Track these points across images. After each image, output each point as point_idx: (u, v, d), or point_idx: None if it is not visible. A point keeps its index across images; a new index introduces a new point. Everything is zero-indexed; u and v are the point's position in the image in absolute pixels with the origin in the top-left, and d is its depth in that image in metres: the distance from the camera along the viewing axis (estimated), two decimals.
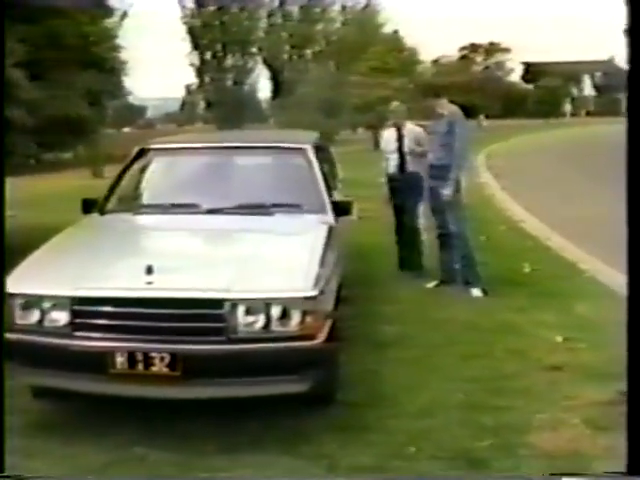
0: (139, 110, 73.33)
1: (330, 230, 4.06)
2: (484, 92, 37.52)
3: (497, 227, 9.34)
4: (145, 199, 4.63)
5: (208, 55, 36.65)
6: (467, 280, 5.95)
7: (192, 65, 38.34)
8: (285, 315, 3.16)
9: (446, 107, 5.91)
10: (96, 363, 3.11)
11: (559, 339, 4.66)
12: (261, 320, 3.15)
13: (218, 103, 33.11)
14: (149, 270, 3.14)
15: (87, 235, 4.08)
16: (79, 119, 5.99)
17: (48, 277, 3.35)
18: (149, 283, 3.14)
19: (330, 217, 4.30)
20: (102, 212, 4.39)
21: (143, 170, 4.81)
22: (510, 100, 49.32)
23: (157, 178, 4.81)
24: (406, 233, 6.67)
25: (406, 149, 6.43)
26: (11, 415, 3.26)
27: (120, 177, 4.70)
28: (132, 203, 4.54)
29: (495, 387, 3.92)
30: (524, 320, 5.11)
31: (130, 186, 4.73)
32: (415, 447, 3.22)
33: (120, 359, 3.09)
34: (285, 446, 3.25)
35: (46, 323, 3.23)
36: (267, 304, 3.15)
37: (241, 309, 3.13)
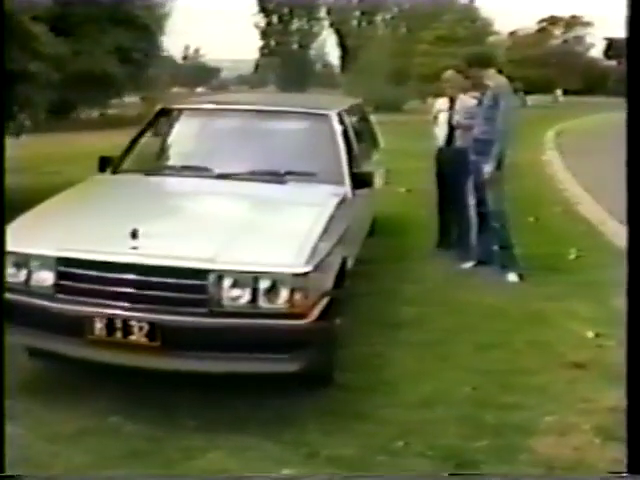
0: (213, 71, 74.09)
1: (342, 202, 3.83)
2: (562, 66, 35.88)
3: (551, 208, 8.85)
4: (159, 160, 4.50)
5: (274, 18, 36.33)
6: (504, 263, 5.62)
7: (257, 27, 38.15)
8: (273, 291, 2.97)
9: (493, 78, 5.52)
10: (75, 327, 3.01)
11: (590, 334, 4.32)
12: (247, 294, 2.97)
13: (283, 66, 32.85)
14: (134, 234, 3.00)
15: (88, 194, 3.97)
16: (104, 76, 5.89)
17: (38, 236, 3.25)
18: (134, 248, 3.00)
19: (347, 188, 4.07)
20: (114, 171, 4.28)
21: (162, 130, 4.67)
22: (590, 76, 47.05)
23: (174, 139, 4.67)
24: (448, 210, 6.35)
25: (454, 122, 6.08)
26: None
27: (139, 136, 4.57)
28: (145, 163, 4.41)
29: (507, 382, 3.65)
30: (556, 310, 4.77)
31: (148, 146, 4.60)
32: (403, 442, 3.00)
33: (99, 325, 2.98)
34: (266, 429, 3.09)
35: (32, 283, 3.14)
36: (254, 278, 2.96)
37: (227, 281, 2.96)
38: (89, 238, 3.17)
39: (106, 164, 4.42)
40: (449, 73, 6.21)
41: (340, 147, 4.28)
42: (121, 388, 3.31)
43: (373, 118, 7.03)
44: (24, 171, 9.38)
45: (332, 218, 3.56)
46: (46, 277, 3.11)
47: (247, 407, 3.25)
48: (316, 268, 3.06)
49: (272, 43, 36.77)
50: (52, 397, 3.29)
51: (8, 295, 3.13)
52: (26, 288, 3.14)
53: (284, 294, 2.97)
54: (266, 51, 37.80)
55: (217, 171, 4.04)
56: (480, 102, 5.63)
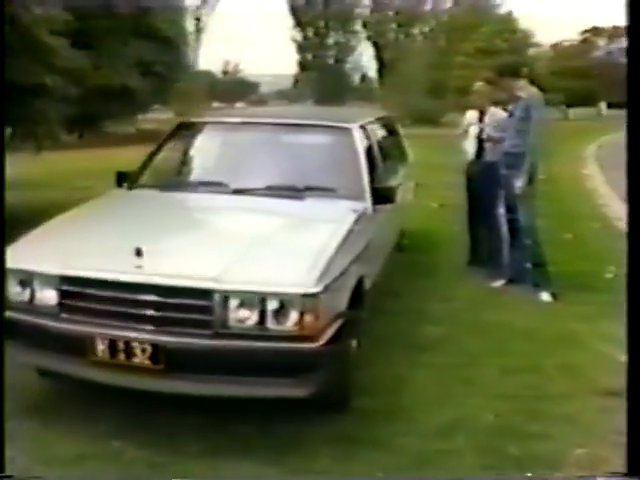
0: (252, 86, 74.77)
1: (361, 218, 3.69)
2: (605, 78, 35.05)
3: (589, 224, 8.53)
4: (176, 175, 4.42)
5: (310, 32, 36.41)
6: (536, 282, 5.39)
7: (294, 41, 38.27)
8: (282, 312, 2.84)
9: (524, 89, 5.32)
10: (79, 348, 2.92)
11: (624, 359, 4.06)
12: (255, 316, 2.84)
13: (319, 80, 32.90)
14: (138, 252, 2.90)
15: (98, 210, 3.89)
16: (125, 90, 5.84)
17: (43, 253, 3.18)
18: (138, 267, 2.90)
19: (367, 204, 3.93)
20: (130, 186, 4.21)
21: (181, 145, 4.59)
22: None
23: (193, 154, 4.59)
24: (479, 226, 6.15)
25: (484, 134, 5.89)
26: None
27: (156, 151, 4.50)
28: (162, 178, 4.33)
29: (534, 409, 3.44)
30: (590, 332, 4.52)
31: (167, 161, 4.53)
32: (417, 472, 2.82)
33: (101, 346, 2.88)
34: (275, 455, 2.95)
35: (36, 302, 3.06)
36: (262, 298, 2.83)
37: (233, 302, 2.84)
38: (93, 256, 3.09)
39: (123, 179, 4.35)
40: (479, 85, 6.02)
41: (361, 161, 4.14)
42: (126, 411, 3.21)
43: (407, 131, 6.87)
44: (56, 186, 9.49)
45: (349, 235, 3.42)
46: (50, 296, 3.03)
47: (254, 432, 3.12)
48: (328, 288, 2.91)
49: (308, 57, 36.87)
50: (55, 418, 3.21)
51: (14, 314, 3.08)
52: (30, 307, 3.07)
53: (293, 316, 2.83)
54: (302, 65, 37.93)
55: (233, 186, 3.93)
56: (511, 114, 5.44)
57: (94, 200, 4.03)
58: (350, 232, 3.46)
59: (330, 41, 36.48)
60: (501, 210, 5.65)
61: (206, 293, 2.83)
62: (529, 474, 2.87)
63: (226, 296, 2.83)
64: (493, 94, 5.88)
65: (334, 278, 3.00)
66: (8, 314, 3.09)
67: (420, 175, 8.08)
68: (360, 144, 4.26)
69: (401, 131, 6.80)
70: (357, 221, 3.64)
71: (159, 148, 4.52)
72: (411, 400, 3.54)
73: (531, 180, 5.24)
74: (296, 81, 42.69)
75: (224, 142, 4.59)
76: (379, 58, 34.57)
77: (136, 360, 2.85)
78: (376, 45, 36.61)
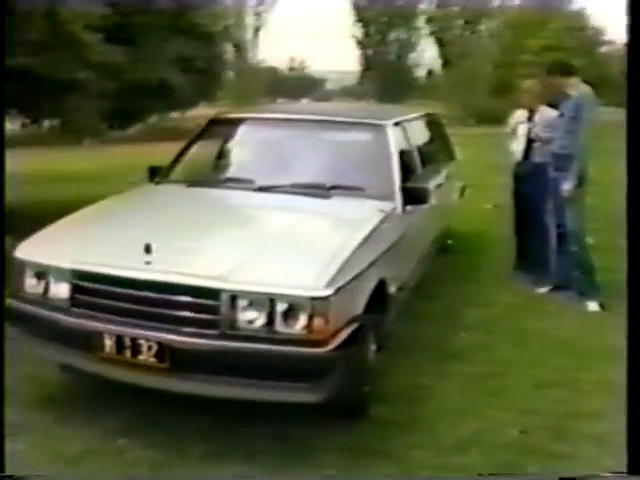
0: (317, 82, 74.92)
1: (387, 219, 3.55)
2: None
3: None
4: (205, 171, 4.38)
5: (372, 28, 36.12)
6: (583, 290, 5.13)
7: (354, 38, 38.07)
8: (291, 315, 2.74)
9: (575, 88, 5.05)
10: (88, 343, 2.90)
11: None
12: (263, 317, 2.75)
13: (380, 77, 32.64)
14: (147, 249, 2.85)
15: (120, 205, 3.88)
16: (161, 84, 5.83)
17: (59, 247, 3.18)
18: (147, 263, 2.86)
19: (396, 204, 3.79)
20: (158, 182, 4.20)
21: (213, 140, 4.55)
22: None
23: (223, 150, 4.53)
24: (526, 229, 5.89)
25: (533, 134, 5.64)
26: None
27: (188, 146, 4.48)
28: (192, 174, 4.29)
29: (562, 427, 3.25)
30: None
31: (198, 156, 4.49)
32: None
33: (109, 342, 2.85)
34: (279, 462, 2.86)
35: (50, 295, 3.06)
36: (271, 300, 2.74)
37: (241, 302, 2.76)
38: (105, 251, 3.06)
39: (155, 174, 4.34)
40: (529, 82, 5.77)
41: (393, 160, 4.00)
42: (137, 408, 3.19)
43: (470, 130, 6.67)
44: (110, 180, 9.65)
45: (371, 236, 3.29)
46: (62, 290, 3.02)
47: (263, 436, 3.04)
48: (340, 291, 2.80)
49: (369, 53, 36.62)
50: (69, 412, 3.21)
51: (30, 306, 3.10)
52: (44, 300, 3.07)
53: (302, 319, 2.73)
54: (364, 62, 37.73)
55: (259, 183, 3.86)
56: (562, 114, 5.19)
57: (119, 195, 4.03)
58: (373, 233, 3.34)
59: (391, 38, 36.08)
60: (549, 214, 5.40)
61: (213, 292, 2.76)
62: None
63: (234, 296, 2.75)
64: (543, 92, 5.62)
65: (348, 280, 2.89)
66: (24, 306, 3.11)
67: (476, 175, 7.85)
68: (393, 142, 4.12)
69: (447, 129, 6.60)
70: (383, 221, 3.51)
71: (191, 144, 4.49)
72: (432, 411, 3.39)
73: (580, 183, 4.97)
74: (361, 78, 42.53)
75: (254, 138, 4.52)
76: (443, 55, 33.98)
77: (142, 357, 2.80)
78: (440, 42, 36.06)
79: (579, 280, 5.16)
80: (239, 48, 36.70)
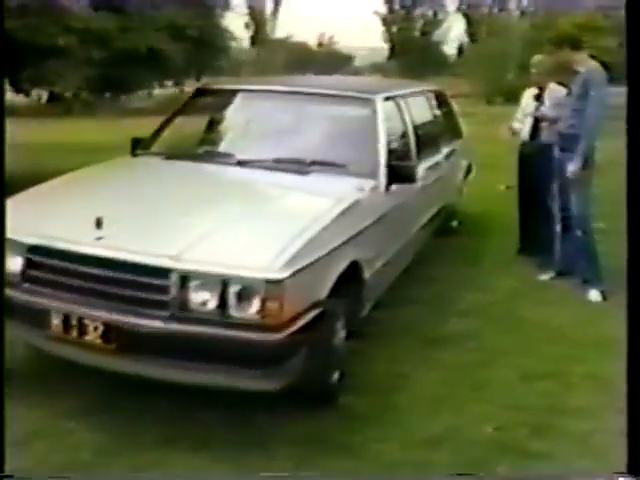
0: (346, 58, 74.04)
1: (363, 198, 3.35)
2: None
3: None
4: (187, 143, 4.20)
5: (397, 4, 35.49)
6: (586, 277, 4.87)
7: (377, 14, 37.48)
8: (244, 298, 2.57)
9: (584, 63, 4.75)
10: (37, 320, 2.77)
11: None
12: (215, 300, 2.58)
13: (404, 54, 32.08)
14: (98, 223, 2.70)
15: (90, 176, 3.73)
16: (151, 53, 5.62)
17: (19, 219, 3.02)
18: (98, 238, 2.70)
19: (378, 183, 3.58)
20: (135, 154, 4.03)
21: (198, 112, 4.36)
22: None
23: (207, 122, 4.35)
24: (531, 212, 5.63)
25: (539, 113, 5.35)
26: None
27: (171, 118, 4.30)
28: (172, 147, 4.12)
29: (543, 423, 3.04)
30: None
31: (181, 128, 4.31)
32: None
33: (55, 321, 2.71)
34: (232, 452, 2.71)
35: (8, 270, 2.92)
36: (223, 282, 2.57)
37: (193, 283, 2.59)
38: (62, 224, 2.90)
39: (137, 145, 4.18)
40: (538, 57, 5.47)
41: (380, 136, 3.78)
42: (92, 388, 3.05)
43: (497, 109, 6.38)
44: (117, 150, 9.53)
45: (343, 216, 3.10)
46: (16, 264, 2.88)
47: (220, 424, 2.88)
48: (298, 273, 2.62)
49: (394, 30, 36.04)
50: (23, 391, 3.07)
51: None
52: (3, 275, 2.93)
53: (256, 303, 2.56)
54: (387, 38, 37.18)
55: (239, 157, 3.67)
56: (569, 91, 4.90)
57: (92, 166, 3.87)
58: (346, 212, 3.14)
59: (416, 14, 35.40)
60: (554, 197, 5.14)
61: (163, 271, 2.60)
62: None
63: (184, 276, 2.58)
64: (553, 69, 5.32)
65: (310, 262, 2.70)
66: None
67: (494, 155, 7.57)
68: (382, 117, 3.89)
69: (454, 106, 6.33)
70: (360, 200, 3.31)
71: (175, 115, 4.31)
72: (406, 402, 3.20)
73: (586, 165, 4.69)
74: (390, 54, 41.86)
75: (240, 111, 4.34)
76: (470, 32, 33.24)
77: (88, 338, 2.66)
78: (468, 18, 35.28)
79: (583, 267, 4.90)
80: (258, 22, 36.34)
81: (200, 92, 4.45)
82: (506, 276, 5.20)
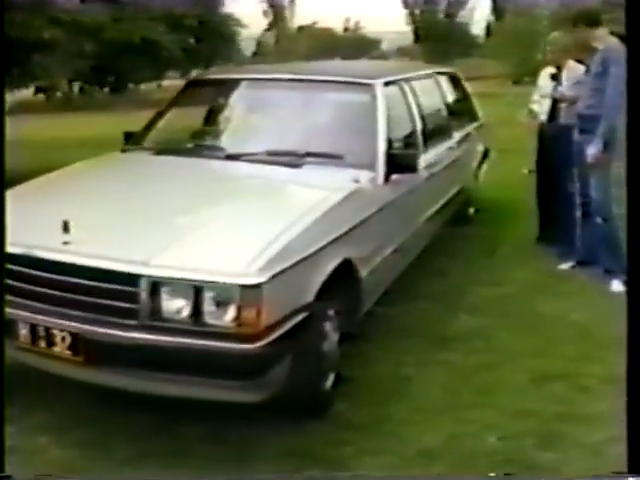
0: (373, 43, 73.21)
1: (358, 191, 3.13)
2: None
3: None
4: (179, 137, 4.01)
5: None
6: (608, 267, 4.59)
7: None
8: (219, 305, 2.38)
9: (603, 40, 4.44)
10: (8, 329, 2.60)
11: None
12: (188, 308, 2.40)
13: (427, 37, 31.50)
14: (65, 227, 2.53)
15: (72, 175, 3.55)
16: (146, 44, 5.41)
17: None
18: (65, 243, 2.53)
19: (376, 174, 3.36)
20: (124, 149, 3.86)
21: (190, 104, 4.17)
22: None
23: (201, 114, 4.15)
24: (550, 198, 5.34)
25: (557, 93, 5.05)
26: None
27: (164, 110, 4.12)
28: (163, 141, 3.93)
29: (553, 432, 2.80)
30: None
31: (175, 121, 4.13)
32: None
33: (23, 331, 2.56)
34: (209, 468, 2.53)
35: None
36: (196, 288, 2.38)
37: (164, 290, 2.41)
38: (28, 229, 2.73)
39: (129, 140, 4.01)
40: (554, 35, 5.16)
41: (379, 123, 3.55)
42: (67, 402, 2.89)
43: (525, 89, 6.09)
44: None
45: (333, 211, 2.89)
46: None
47: (200, 437, 2.70)
48: (277, 277, 2.42)
49: (416, 12, 35.36)
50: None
51: None
52: None
53: (231, 310, 2.36)
54: (410, 21, 36.52)
55: (229, 151, 3.48)
56: (587, 70, 4.60)
57: (73, 165, 3.71)
58: (338, 207, 2.93)
59: None
60: (574, 181, 4.85)
61: (132, 278, 2.41)
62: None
63: (155, 283, 2.40)
64: (571, 46, 5.01)
65: (291, 264, 2.50)
66: None
67: (517, 137, 7.27)
68: (382, 103, 3.65)
69: (469, 88, 6.03)
70: (353, 193, 3.09)
71: (167, 108, 4.13)
72: (404, 409, 2.98)
73: (607, 147, 4.40)
74: (415, 37, 41.19)
75: (233, 101, 4.13)
76: (497, 12, 32.41)
77: (56, 349, 2.50)
78: None
79: (605, 256, 4.62)
80: (277, 9, 36.02)
81: (192, 83, 4.26)
82: (523, 267, 4.93)
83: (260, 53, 30.17)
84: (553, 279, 4.69)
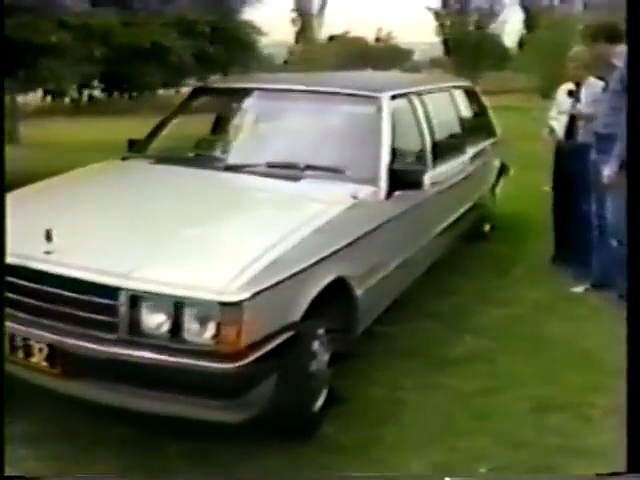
0: (405, 53, 73.05)
1: (356, 206, 3.05)
2: None
3: None
4: (182, 146, 3.96)
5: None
6: (622, 292, 4.42)
7: (429, 10, 36.61)
8: (199, 322, 2.31)
9: (623, 57, 4.30)
10: None
11: None
12: (168, 323, 2.33)
13: (457, 48, 31.22)
14: (48, 236, 2.48)
15: (67, 182, 3.51)
16: (156, 49, 5.38)
17: None
18: (47, 252, 2.48)
19: (377, 189, 3.28)
20: (124, 157, 3.82)
21: (195, 112, 4.12)
22: None
23: (204, 122, 4.10)
24: (566, 217, 5.20)
25: (575, 110, 4.92)
26: None
27: (168, 118, 4.08)
28: (166, 150, 3.89)
29: (550, 465, 2.68)
30: None
31: (179, 129, 4.08)
32: None
33: None
34: None
35: None
36: (176, 304, 2.31)
37: (144, 304, 2.34)
38: (14, 237, 2.67)
39: (132, 148, 3.98)
40: (576, 49, 5.02)
41: (383, 138, 3.46)
42: (49, 413, 2.83)
43: (532, 103, 5.97)
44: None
45: (327, 227, 2.81)
46: None
47: (179, 453, 2.62)
48: (260, 295, 2.34)
49: (447, 23, 35.06)
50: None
51: None
52: None
53: (211, 328, 2.29)
54: (441, 33, 36.25)
55: (229, 162, 3.43)
56: (606, 87, 4.46)
57: (70, 172, 3.67)
58: (332, 222, 2.85)
59: (471, 7, 34.36)
60: (590, 201, 4.71)
61: (111, 290, 2.35)
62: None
63: (134, 296, 2.34)
64: (592, 62, 4.87)
65: (276, 282, 2.42)
66: None
67: (539, 154, 7.13)
68: (387, 117, 3.57)
69: (487, 103, 5.91)
70: (351, 209, 3.01)
71: (171, 116, 4.09)
72: (396, 434, 2.87)
73: (623, 167, 4.25)
74: (446, 49, 41.04)
75: (239, 111, 4.08)
76: (528, 25, 32.01)
77: (34, 360, 2.45)
78: (527, 10, 34.05)
79: (619, 280, 4.46)
80: (305, 18, 36.03)
81: (198, 91, 4.21)
82: (535, 287, 4.79)
83: (291, 62, 30.17)
84: (565, 302, 4.54)
